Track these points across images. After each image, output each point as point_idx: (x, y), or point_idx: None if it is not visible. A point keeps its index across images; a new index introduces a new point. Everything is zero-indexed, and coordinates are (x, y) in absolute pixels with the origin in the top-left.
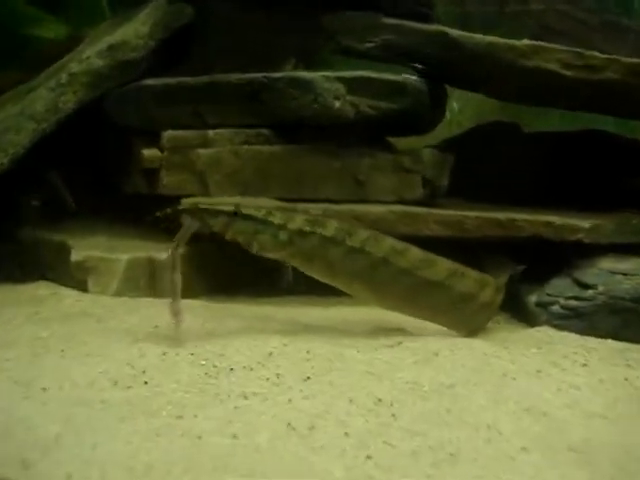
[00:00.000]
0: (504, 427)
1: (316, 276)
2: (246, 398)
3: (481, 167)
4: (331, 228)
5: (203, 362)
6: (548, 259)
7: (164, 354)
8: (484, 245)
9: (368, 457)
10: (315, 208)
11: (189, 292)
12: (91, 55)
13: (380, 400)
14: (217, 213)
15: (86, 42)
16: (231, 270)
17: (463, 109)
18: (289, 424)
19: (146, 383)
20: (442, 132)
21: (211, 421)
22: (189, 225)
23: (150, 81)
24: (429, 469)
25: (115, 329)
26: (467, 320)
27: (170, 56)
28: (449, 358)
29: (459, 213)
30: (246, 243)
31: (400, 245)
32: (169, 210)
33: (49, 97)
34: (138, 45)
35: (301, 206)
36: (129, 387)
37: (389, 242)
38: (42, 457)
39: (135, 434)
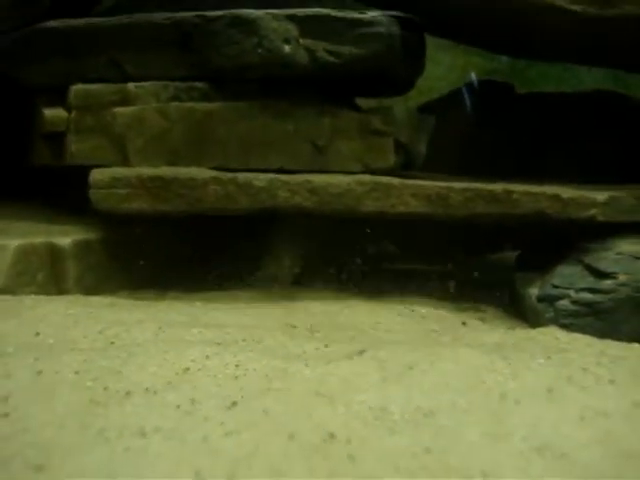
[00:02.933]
0: (507, 476)
1: None
2: (143, 435)
3: (468, 134)
4: None
5: (90, 384)
6: (551, 242)
7: (39, 373)
8: (472, 224)
9: None
10: (261, 180)
11: (105, 287)
12: None
13: (332, 435)
14: None
15: None
16: (162, 258)
17: (444, 75)
18: (197, 474)
19: (6, 415)
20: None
21: (84, 474)
22: None
23: (53, 23)
24: None
25: None
26: None
27: None
28: (429, 373)
29: (442, 184)
30: None
31: None
32: None
33: None
34: None
35: (243, 176)
36: None
37: None
38: None
39: None
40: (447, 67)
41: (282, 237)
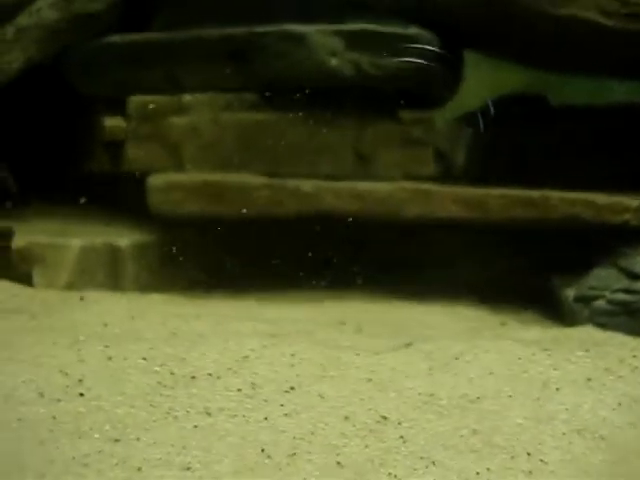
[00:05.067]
0: (550, 455)
1: None
2: (209, 415)
3: (503, 144)
4: None
5: (157, 368)
6: (586, 246)
7: (110, 359)
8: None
9: None
10: (308, 186)
11: (159, 285)
12: (43, 6)
13: (385, 418)
14: None
15: None
16: (212, 260)
17: (474, 90)
18: (263, 450)
19: (81, 395)
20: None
21: (158, 446)
22: None
23: (114, 38)
24: None
25: (52, 328)
26: None
27: (138, 9)
28: (473, 363)
29: (481, 191)
30: None
31: None
32: None
33: None
34: None
35: (292, 183)
36: (58, 400)
37: None
38: None
39: (51, 464)
40: (478, 80)
41: (328, 240)
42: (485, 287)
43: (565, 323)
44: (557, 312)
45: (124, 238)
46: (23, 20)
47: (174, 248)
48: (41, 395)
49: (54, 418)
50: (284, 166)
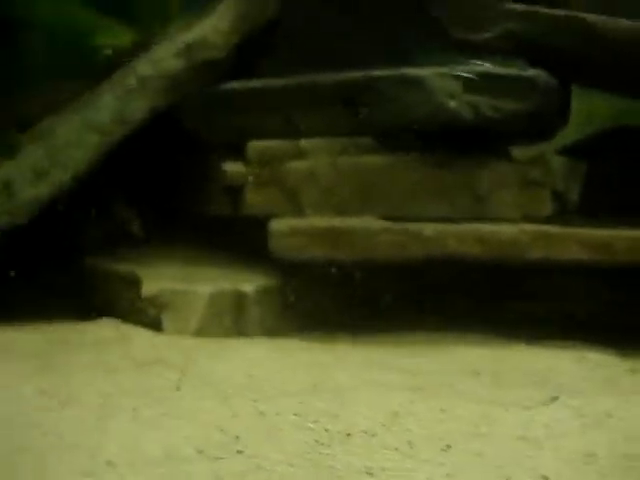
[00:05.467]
0: None
1: None
2: (371, 475)
3: (612, 177)
4: None
5: (311, 425)
6: None
7: (261, 414)
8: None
9: None
10: (430, 229)
11: (281, 329)
12: (165, 56)
13: (546, 478)
14: None
15: (157, 43)
16: (332, 303)
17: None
18: None
19: (240, 452)
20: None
21: None
22: None
23: (232, 85)
24: None
25: (199, 381)
26: None
27: (252, 56)
28: (627, 420)
29: (605, 232)
30: None
31: None
32: None
33: (115, 106)
34: (218, 43)
35: (413, 226)
36: (218, 458)
37: None
38: None
39: None
40: (576, 111)
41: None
42: (592, 324)
43: None
44: None
45: (249, 283)
46: (145, 69)
47: (295, 292)
48: (200, 452)
49: (216, 475)
50: (401, 209)
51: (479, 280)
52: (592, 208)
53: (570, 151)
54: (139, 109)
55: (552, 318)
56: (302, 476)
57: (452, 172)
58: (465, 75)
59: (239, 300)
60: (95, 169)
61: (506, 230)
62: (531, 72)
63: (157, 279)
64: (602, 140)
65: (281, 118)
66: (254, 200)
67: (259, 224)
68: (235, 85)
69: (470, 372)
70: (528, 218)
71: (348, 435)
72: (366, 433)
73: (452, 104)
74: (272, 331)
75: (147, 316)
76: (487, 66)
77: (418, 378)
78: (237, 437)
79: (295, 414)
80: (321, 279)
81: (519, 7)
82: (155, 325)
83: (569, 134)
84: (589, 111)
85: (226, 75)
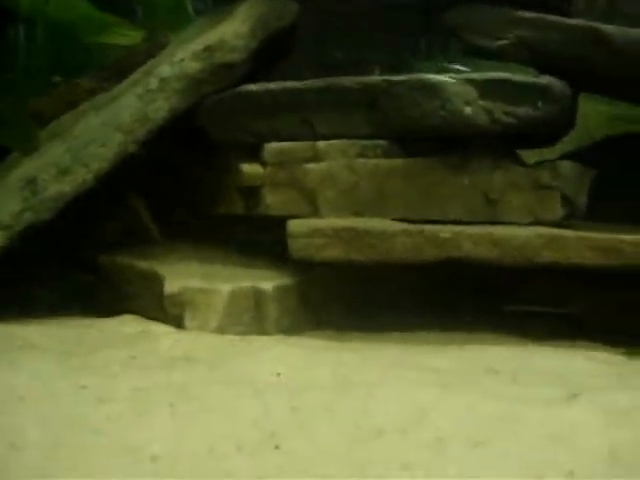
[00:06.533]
0: None
1: None
2: (406, 470)
3: (618, 184)
4: None
5: (344, 421)
6: None
7: (294, 409)
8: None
9: None
10: (446, 232)
11: (298, 327)
12: (185, 57)
13: (572, 473)
14: None
15: (174, 45)
16: (349, 302)
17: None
18: None
19: (277, 448)
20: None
21: None
22: None
23: (250, 87)
24: None
25: (229, 377)
26: None
27: (269, 59)
28: None
29: (614, 236)
30: None
31: None
32: None
33: (137, 105)
34: (238, 46)
35: (429, 229)
36: (257, 453)
37: None
38: None
39: None
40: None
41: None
42: (597, 326)
43: None
44: None
45: (267, 282)
46: (164, 71)
47: (311, 291)
48: (239, 448)
49: (256, 472)
50: (416, 211)
51: (485, 280)
52: (597, 213)
53: (575, 156)
54: (160, 109)
55: (557, 319)
56: (340, 470)
57: (466, 175)
58: (480, 80)
59: (258, 298)
60: (117, 168)
61: (520, 233)
62: (546, 80)
63: (178, 277)
64: (608, 145)
65: (298, 121)
66: (271, 201)
67: (275, 224)
68: (252, 87)
69: (489, 370)
70: (539, 222)
71: (380, 431)
72: (397, 429)
73: (467, 110)
74: (289, 329)
75: (169, 313)
76: (503, 74)
77: (441, 376)
78: (273, 433)
79: (327, 410)
80: (336, 279)
81: (530, 15)
82: (177, 322)
83: (572, 140)
84: (589, 114)
85: (244, 78)
